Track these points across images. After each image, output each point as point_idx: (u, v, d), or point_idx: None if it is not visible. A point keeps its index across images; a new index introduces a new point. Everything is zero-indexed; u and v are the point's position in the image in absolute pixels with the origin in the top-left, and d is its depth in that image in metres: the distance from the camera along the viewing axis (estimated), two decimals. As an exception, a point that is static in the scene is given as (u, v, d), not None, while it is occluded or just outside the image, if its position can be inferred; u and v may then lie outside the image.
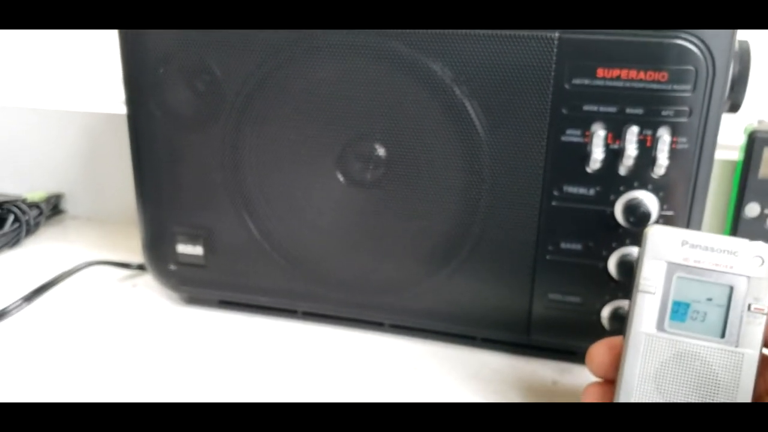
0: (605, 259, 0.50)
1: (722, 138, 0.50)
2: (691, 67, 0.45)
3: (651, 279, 0.40)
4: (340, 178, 0.55)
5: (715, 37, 0.45)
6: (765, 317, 0.39)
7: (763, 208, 0.61)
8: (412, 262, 0.55)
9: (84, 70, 0.89)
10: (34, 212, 0.80)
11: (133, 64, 0.57)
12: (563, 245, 0.51)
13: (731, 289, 0.39)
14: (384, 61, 0.50)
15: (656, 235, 0.40)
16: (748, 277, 0.39)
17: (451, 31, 0.48)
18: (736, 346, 0.39)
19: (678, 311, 0.40)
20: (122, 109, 0.59)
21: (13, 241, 0.77)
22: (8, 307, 0.62)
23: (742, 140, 0.61)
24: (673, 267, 0.40)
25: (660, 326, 0.40)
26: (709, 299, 0.40)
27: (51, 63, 0.90)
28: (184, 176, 0.58)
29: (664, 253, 0.40)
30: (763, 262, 0.39)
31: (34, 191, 0.85)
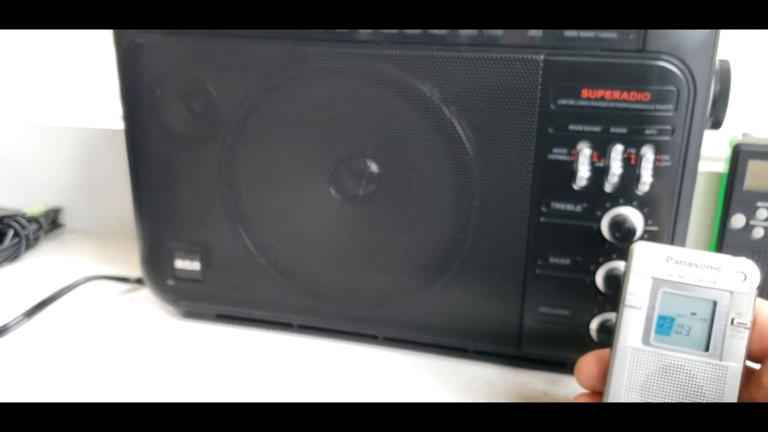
0: (593, 274, 0.52)
1: (707, 150, 0.51)
2: (672, 88, 0.47)
3: (636, 294, 0.42)
4: (334, 193, 0.56)
5: (695, 57, 0.46)
6: (748, 331, 0.40)
7: (748, 219, 0.62)
8: (404, 276, 0.56)
9: (82, 86, 0.90)
10: (34, 227, 0.81)
11: (130, 84, 0.58)
12: (552, 260, 0.52)
13: (715, 303, 0.40)
14: (375, 83, 0.51)
15: (641, 251, 0.41)
16: (731, 292, 0.40)
17: (439, 53, 0.49)
18: (720, 360, 0.40)
19: (663, 325, 0.41)
20: (120, 125, 0.60)
21: (13, 255, 0.78)
22: (9, 322, 0.63)
23: (727, 152, 0.63)
24: (658, 282, 0.41)
25: (646, 340, 0.42)
26: (694, 314, 0.41)
27: (49, 79, 0.91)
28: (181, 193, 0.60)
29: (649, 268, 0.41)
30: (745, 277, 0.40)
31: (32, 205, 0.86)
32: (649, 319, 0.42)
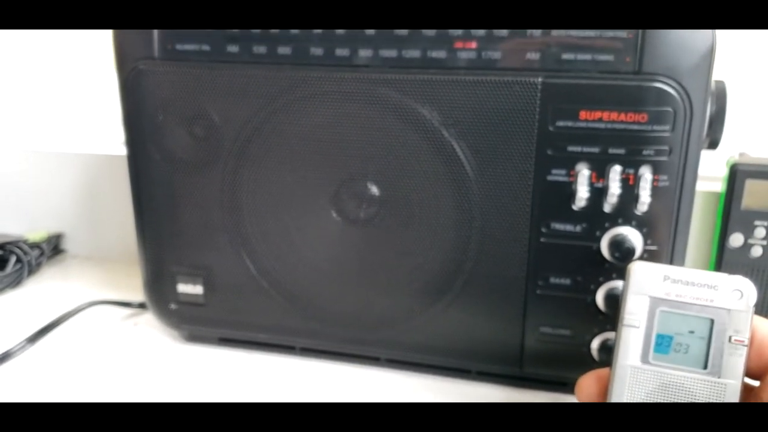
0: (593, 293, 0.52)
1: (705, 170, 0.52)
2: (669, 109, 0.47)
3: (635, 313, 0.42)
4: (335, 216, 0.57)
5: (691, 78, 0.47)
6: (746, 348, 0.40)
7: (746, 238, 0.62)
8: (406, 298, 0.57)
9: (82, 114, 0.91)
10: (36, 252, 0.81)
11: (132, 110, 0.59)
12: (553, 280, 0.53)
13: (712, 321, 0.41)
14: (375, 106, 0.52)
15: (639, 271, 0.42)
16: (728, 310, 0.41)
17: (437, 77, 0.50)
18: (719, 377, 0.41)
19: (662, 344, 0.42)
20: (120, 151, 0.61)
21: (16, 281, 0.78)
22: (13, 348, 0.63)
23: (724, 172, 0.63)
24: (655, 301, 0.42)
25: (645, 358, 0.42)
26: (692, 332, 0.41)
27: (50, 107, 0.92)
28: (184, 217, 0.60)
29: (647, 288, 0.42)
30: (742, 295, 0.40)
31: (34, 231, 0.86)
32: (647, 337, 0.42)
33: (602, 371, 0.44)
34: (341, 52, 0.52)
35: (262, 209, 0.58)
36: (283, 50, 0.53)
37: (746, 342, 0.40)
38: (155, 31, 0.56)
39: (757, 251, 0.62)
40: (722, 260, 0.63)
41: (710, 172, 0.63)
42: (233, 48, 0.54)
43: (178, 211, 0.60)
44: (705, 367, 0.41)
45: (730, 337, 0.41)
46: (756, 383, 0.41)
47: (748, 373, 0.41)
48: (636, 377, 0.42)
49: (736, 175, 0.62)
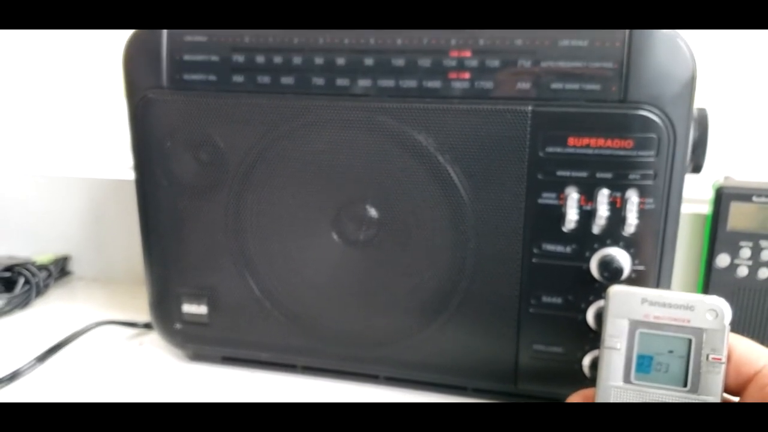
0: (584, 312, 0.54)
1: (692, 193, 0.54)
2: (653, 135, 0.50)
3: (615, 336, 0.44)
4: (336, 238, 0.59)
5: (674, 106, 0.49)
6: (723, 366, 0.42)
7: (732, 259, 0.64)
8: (404, 317, 0.59)
9: (88, 139, 0.93)
10: (43, 274, 0.83)
11: (141, 137, 0.61)
12: (545, 299, 0.55)
13: (690, 341, 0.43)
14: (374, 133, 0.54)
15: (617, 295, 0.44)
16: (705, 330, 0.42)
17: (433, 105, 0.53)
18: (698, 394, 0.42)
19: (642, 364, 0.44)
20: (125, 175, 0.62)
21: (24, 302, 0.80)
22: (22, 367, 0.65)
23: (710, 195, 0.66)
24: (635, 323, 0.44)
25: (627, 378, 0.44)
26: (671, 351, 0.43)
27: (58, 133, 0.94)
28: (189, 240, 0.62)
29: (626, 311, 0.44)
30: (717, 315, 0.42)
31: (42, 254, 0.88)
32: (628, 359, 0.44)
33: (588, 391, 0.46)
34: (341, 81, 0.55)
35: (265, 232, 0.60)
36: (286, 80, 0.56)
37: (723, 359, 0.42)
38: (164, 61, 0.58)
39: (743, 271, 0.64)
40: (710, 280, 0.65)
41: (697, 195, 0.66)
42: (238, 78, 0.57)
43: (184, 234, 0.62)
44: (685, 384, 0.43)
45: (707, 356, 0.42)
46: (736, 399, 0.43)
47: (727, 389, 0.43)
48: (619, 397, 0.44)
49: (722, 198, 0.64)
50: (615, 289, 0.44)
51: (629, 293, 0.44)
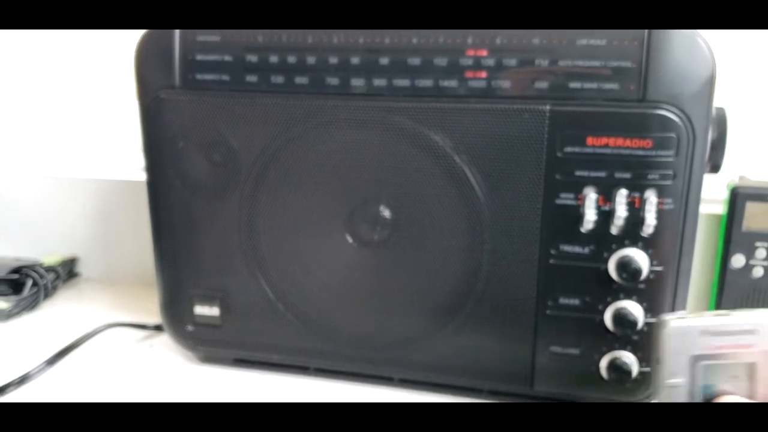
0: (601, 313, 0.54)
1: (707, 193, 0.54)
2: (672, 135, 0.49)
3: (677, 374, 0.42)
4: (349, 239, 0.58)
5: (693, 106, 0.49)
6: None
7: (748, 259, 0.64)
8: (419, 318, 0.58)
9: (96, 140, 0.93)
10: (51, 276, 0.83)
11: (153, 137, 0.60)
12: (562, 300, 0.54)
13: (754, 364, 0.42)
14: (389, 133, 0.54)
15: (676, 332, 0.42)
16: None
17: (449, 105, 0.52)
18: None
19: (707, 392, 0.43)
20: (133, 176, 0.62)
21: (32, 304, 0.80)
22: (32, 370, 0.64)
23: (725, 195, 0.65)
24: (696, 358, 0.42)
25: None
26: (735, 376, 0.42)
27: (66, 134, 0.94)
28: (201, 241, 0.62)
29: (687, 348, 0.42)
30: None
31: (49, 255, 0.88)
32: (691, 392, 0.42)
33: None
34: (356, 81, 0.54)
35: (278, 233, 0.59)
36: (300, 80, 0.55)
37: None
38: (176, 61, 0.58)
39: (758, 272, 0.64)
40: (725, 281, 0.65)
41: (712, 195, 0.65)
42: (252, 78, 0.56)
43: (196, 235, 0.62)
44: None
45: None
46: None
47: None
48: None
49: (737, 198, 0.64)
50: (672, 327, 0.42)
51: (688, 328, 0.42)
